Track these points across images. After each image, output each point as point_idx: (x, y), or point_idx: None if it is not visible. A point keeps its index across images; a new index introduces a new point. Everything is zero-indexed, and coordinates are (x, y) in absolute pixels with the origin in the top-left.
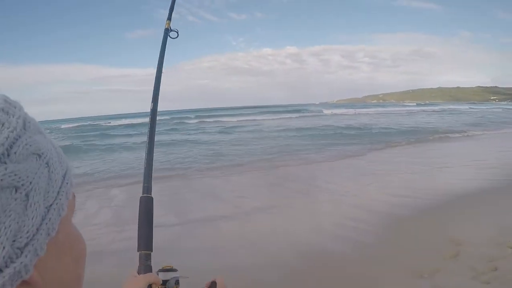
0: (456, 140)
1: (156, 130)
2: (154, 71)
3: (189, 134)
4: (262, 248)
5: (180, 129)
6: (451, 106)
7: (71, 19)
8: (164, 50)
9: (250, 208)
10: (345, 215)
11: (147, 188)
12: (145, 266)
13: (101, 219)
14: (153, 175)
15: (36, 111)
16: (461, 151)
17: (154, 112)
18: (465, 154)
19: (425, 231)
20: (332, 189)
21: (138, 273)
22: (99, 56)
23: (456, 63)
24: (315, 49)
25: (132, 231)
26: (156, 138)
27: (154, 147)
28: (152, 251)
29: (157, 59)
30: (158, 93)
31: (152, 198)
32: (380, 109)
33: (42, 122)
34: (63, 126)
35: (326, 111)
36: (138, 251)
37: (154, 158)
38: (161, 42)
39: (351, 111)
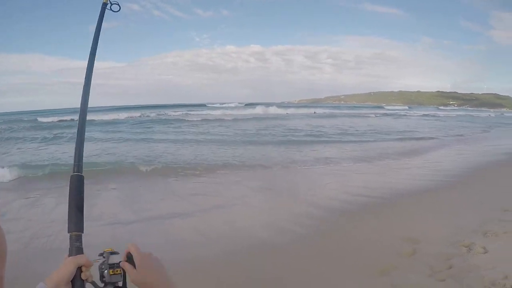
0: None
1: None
2: (114, 64)
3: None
4: (215, 242)
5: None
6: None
7: (33, 8)
8: (101, 25)
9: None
10: (300, 213)
11: (78, 166)
12: (76, 248)
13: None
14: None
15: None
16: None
17: (86, 92)
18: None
19: (380, 229)
20: (288, 188)
21: (69, 256)
22: (61, 48)
23: (417, 68)
24: (279, 49)
25: None
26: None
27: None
28: (83, 232)
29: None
30: (91, 73)
31: (82, 177)
32: (336, 111)
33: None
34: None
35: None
36: (68, 232)
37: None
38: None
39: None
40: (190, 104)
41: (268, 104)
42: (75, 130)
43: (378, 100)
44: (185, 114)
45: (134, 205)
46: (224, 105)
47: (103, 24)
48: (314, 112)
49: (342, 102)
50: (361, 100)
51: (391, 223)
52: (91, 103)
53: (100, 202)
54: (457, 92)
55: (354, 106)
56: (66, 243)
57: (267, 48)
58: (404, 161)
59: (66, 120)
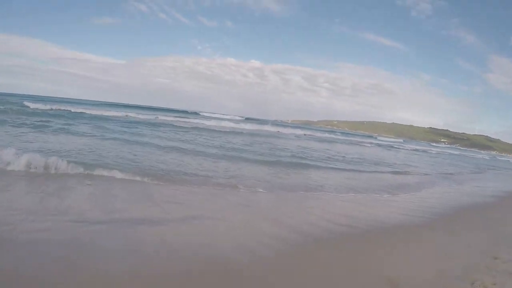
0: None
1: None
2: (112, 61)
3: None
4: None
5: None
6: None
7: None
8: None
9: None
10: (272, 234)
11: None
12: None
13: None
14: None
15: None
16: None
17: None
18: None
19: (358, 263)
20: (266, 207)
21: None
22: (61, 37)
23: (412, 102)
24: (278, 67)
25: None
26: None
27: None
28: None
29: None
30: None
31: None
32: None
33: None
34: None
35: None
36: None
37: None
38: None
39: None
40: (184, 110)
41: (262, 121)
42: (63, 120)
43: (370, 129)
44: (177, 119)
45: (105, 205)
46: (217, 115)
47: (110, 20)
48: (304, 134)
49: (335, 127)
50: (353, 127)
51: (370, 257)
52: (84, 96)
53: (72, 197)
54: (449, 130)
55: (346, 133)
56: None
57: (267, 65)
58: (392, 194)
59: (56, 109)
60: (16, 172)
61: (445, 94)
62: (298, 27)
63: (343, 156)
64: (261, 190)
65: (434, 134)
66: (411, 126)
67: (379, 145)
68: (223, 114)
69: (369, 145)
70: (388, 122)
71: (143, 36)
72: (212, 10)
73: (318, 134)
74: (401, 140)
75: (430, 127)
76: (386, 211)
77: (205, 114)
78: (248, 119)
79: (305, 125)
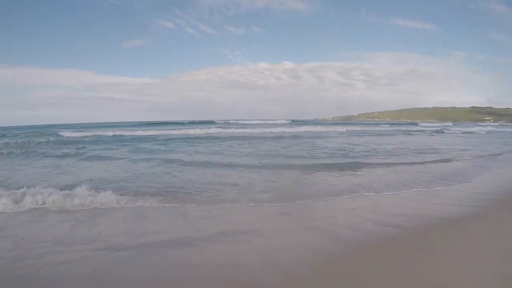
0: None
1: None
2: (147, 80)
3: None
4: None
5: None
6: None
7: (68, 25)
8: None
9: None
10: (309, 244)
11: None
12: None
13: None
14: None
15: (29, 115)
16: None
17: None
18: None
19: (401, 270)
20: (310, 213)
21: None
22: (95, 64)
23: (451, 83)
24: (311, 65)
25: None
26: None
27: None
28: None
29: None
30: None
31: None
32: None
33: (36, 127)
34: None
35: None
36: None
37: None
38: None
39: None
40: (220, 121)
41: (305, 122)
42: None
43: (411, 116)
44: (215, 130)
45: (134, 227)
46: (256, 121)
47: (139, 41)
48: (346, 130)
49: (376, 119)
50: (394, 117)
51: (418, 262)
52: (123, 119)
53: (100, 222)
54: (492, 107)
55: (389, 123)
56: None
57: (300, 65)
58: (443, 185)
59: (92, 135)
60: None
61: (483, 70)
62: (325, 23)
63: (388, 149)
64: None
65: (478, 113)
66: (453, 108)
67: (424, 132)
68: (263, 120)
69: (415, 133)
70: (429, 107)
71: (174, 52)
72: (238, 18)
73: (363, 128)
74: (450, 124)
75: (473, 107)
76: (437, 204)
77: (242, 122)
78: (294, 121)
79: (346, 120)
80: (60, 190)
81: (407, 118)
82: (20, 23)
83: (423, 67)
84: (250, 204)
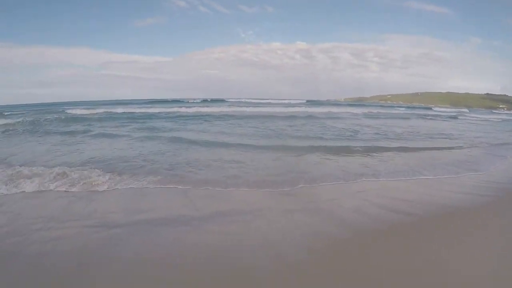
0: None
1: None
2: (160, 59)
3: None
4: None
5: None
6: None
7: (80, 3)
8: None
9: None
10: (309, 228)
11: None
12: None
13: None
14: None
15: (43, 93)
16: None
17: None
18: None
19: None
20: (315, 196)
21: None
22: (107, 42)
23: (466, 69)
24: (325, 46)
25: None
26: None
27: None
28: None
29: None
30: None
31: None
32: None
33: (50, 104)
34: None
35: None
36: None
37: None
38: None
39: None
40: (232, 99)
41: (317, 102)
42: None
43: (425, 100)
44: (231, 109)
45: (131, 205)
46: (270, 101)
47: (151, 20)
48: (361, 112)
49: (389, 101)
50: (407, 100)
51: (423, 254)
52: (135, 96)
53: (97, 199)
54: (507, 95)
55: (404, 106)
56: None
57: (313, 45)
58: (455, 173)
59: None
60: None
61: (499, 57)
62: (340, 3)
63: (399, 132)
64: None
65: (492, 101)
66: (466, 94)
67: (438, 116)
68: (276, 99)
69: (429, 117)
70: (442, 91)
71: (187, 31)
72: None
73: (378, 111)
74: (466, 110)
75: (487, 93)
76: (446, 191)
77: (255, 101)
78: (309, 101)
79: (358, 102)
80: (59, 168)
81: (420, 102)
82: (32, 3)
83: (438, 51)
84: (252, 186)
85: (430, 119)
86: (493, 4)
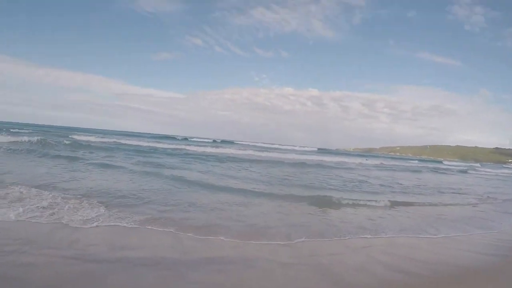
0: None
1: None
2: (174, 95)
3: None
4: None
5: None
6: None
7: (99, 33)
8: None
9: None
10: None
11: None
12: None
13: None
14: None
15: (54, 115)
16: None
17: None
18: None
19: None
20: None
21: None
22: (122, 73)
23: (475, 122)
24: (337, 94)
25: None
26: None
27: None
28: None
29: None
30: None
31: None
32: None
33: (59, 128)
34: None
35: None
36: None
37: None
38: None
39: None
40: (241, 142)
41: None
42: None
43: (434, 153)
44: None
45: (116, 241)
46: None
47: (167, 55)
48: (366, 160)
49: (397, 153)
50: (416, 153)
51: None
52: (146, 130)
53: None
54: None
55: (414, 159)
56: None
57: (325, 92)
58: (463, 231)
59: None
60: None
61: (508, 110)
62: (353, 53)
63: (408, 185)
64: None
65: (501, 155)
66: (475, 147)
67: (449, 170)
68: (286, 145)
69: (441, 171)
70: (451, 145)
71: (201, 69)
72: (267, 41)
73: (392, 163)
74: (478, 164)
75: (496, 148)
76: (455, 250)
77: (265, 146)
78: (320, 150)
79: (367, 152)
80: (52, 195)
81: (429, 155)
82: (54, 28)
83: (448, 104)
84: (246, 235)
85: (442, 173)
86: (504, 57)
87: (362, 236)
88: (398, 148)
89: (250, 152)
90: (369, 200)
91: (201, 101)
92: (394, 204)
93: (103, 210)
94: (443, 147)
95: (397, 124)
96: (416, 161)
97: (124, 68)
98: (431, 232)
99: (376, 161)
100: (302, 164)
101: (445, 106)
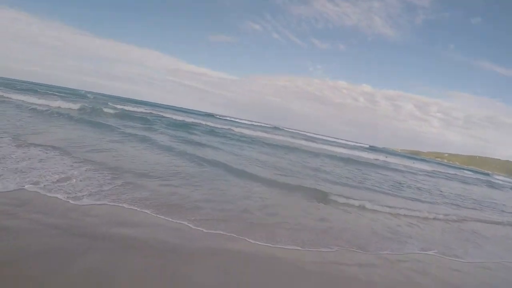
0: None
1: None
2: (226, 76)
3: None
4: None
5: None
6: None
7: (159, 9)
8: None
9: None
10: None
11: None
12: None
13: None
14: None
15: (107, 84)
16: None
17: None
18: None
19: None
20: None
21: None
22: (179, 50)
23: None
24: (390, 93)
25: None
26: None
27: None
28: None
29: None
30: None
31: None
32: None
33: (119, 98)
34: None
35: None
36: None
37: None
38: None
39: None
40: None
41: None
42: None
43: (481, 165)
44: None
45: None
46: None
47: (224, 37)
48: (386, 157)
49: (445, 160)
50: (464, 162)
51: None
52: (197, 107)
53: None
54: None
55: (461, 168)
56: None
57: (378, 90)
58: None
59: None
60: None
61: None
62: (411, 53)
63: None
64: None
65: None
66: None
67: (503, 186)
68: (333, 137)
69: (498, 187)
70: (502, 159)
71: (256, 54)
72: (325, 32)
73: (448, 171)
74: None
75: None
76: None
77: (317, 136)
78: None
79: (414, 155)
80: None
81: (477, 165)
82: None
83: (503, 116)
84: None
85: (497, 188)
86: None
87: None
88: (446, 155)
89: (303, 142)
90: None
91: (252, 85)
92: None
93: (112, 186)
94: (492, 160)
95: (447, 130)
96: (470, 172)
97: (180, 46)
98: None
99: (427, 167)
100: (356, 162)
101: (499, 118)
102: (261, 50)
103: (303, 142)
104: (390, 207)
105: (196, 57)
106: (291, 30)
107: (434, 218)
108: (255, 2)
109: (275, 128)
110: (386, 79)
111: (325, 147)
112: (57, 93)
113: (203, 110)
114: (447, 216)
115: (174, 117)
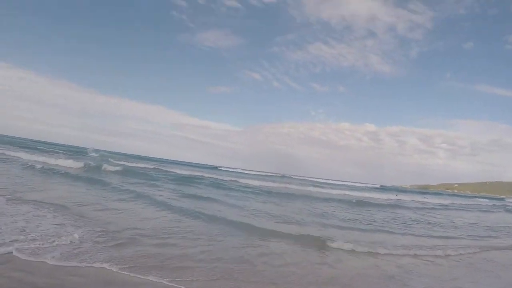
0: None
1: None
2: (229, 128)
3: None
4: None
5: None
6: None
7: (159, 64)
8: None
9: None
10: None
11: None
12: None
13: None
14: None
15: (112, 141)
16: None
17: None
18: None
19: None
20: None
21: None
22: (181, 104)
23: None
24: (393, 129)
25: None
26: None
27: None
28: None
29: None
30: None
31: None
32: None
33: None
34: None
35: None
36: None
37: None
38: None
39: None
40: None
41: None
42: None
43: (493, 190)
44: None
45: None
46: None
47: (224, 88)
48: (396, 195)
49: (455, 190)
50: (475, 190)
51: None
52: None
53: None
54: None
55: (476, 196)
56: None
57: (381, 128)
58: None
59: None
60: None
61: None
62: (409, 87)
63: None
64: None
65: None
66: None
67: None
68: (340, 181)
69: None
70: (511, 181)
71: (257, 102)
72: (324, 75)
73: (464, 202)
74: None
75: None
76: None
77: (324, 181)
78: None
79: (424, 189)
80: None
81: (488, 191)
82: (113, 57)
83: (507, 138)
84: None
85: None
86: None
87: None
88: (456, 185)
89: (310, 188)
90: None
91: (257, 134)
92: None
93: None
94: (503, 183)
95: (455, 160)
96: (486, 200)
97: (183, 100)
98: None
99: (442, 200)
100: (368, 204)
101: (505, 140)
102: (262, 98)
103: (311, 188)
104: None
105: (198, 110)
106: (289, 76)
107: None
108: (251, 51)
109: (283, 176)
110: (387, 116)
111: (334, 191)
112: (62, 151)
113: (208, 163)
114: None
115: (179, 171)
